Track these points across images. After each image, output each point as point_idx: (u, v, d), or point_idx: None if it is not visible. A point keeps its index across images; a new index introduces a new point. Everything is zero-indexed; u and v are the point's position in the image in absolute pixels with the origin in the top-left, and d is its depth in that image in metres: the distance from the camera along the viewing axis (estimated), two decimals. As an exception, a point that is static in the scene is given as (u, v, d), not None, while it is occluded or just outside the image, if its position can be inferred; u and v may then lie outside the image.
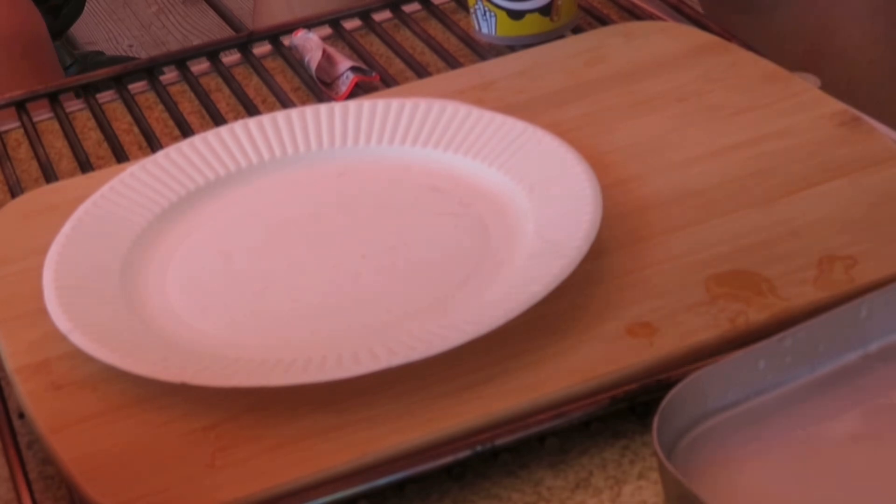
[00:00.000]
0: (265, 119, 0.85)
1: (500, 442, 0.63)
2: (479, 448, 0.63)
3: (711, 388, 0.62)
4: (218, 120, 0.94)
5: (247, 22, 2.13)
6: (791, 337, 0.64)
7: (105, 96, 1.01)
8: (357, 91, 0.95)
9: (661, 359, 0.66)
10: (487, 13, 0.95)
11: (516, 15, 0.95)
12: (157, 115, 0.98)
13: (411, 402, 0.64)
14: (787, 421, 0.63)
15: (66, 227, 0.77)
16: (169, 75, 1.02)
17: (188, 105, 0.99)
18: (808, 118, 0.81)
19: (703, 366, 0.63)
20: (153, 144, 0.92)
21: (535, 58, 0.92)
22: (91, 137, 0.97)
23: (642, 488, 0.62)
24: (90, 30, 2.57)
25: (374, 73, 0.97)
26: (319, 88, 0.97)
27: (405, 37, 1.03)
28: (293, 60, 1.01)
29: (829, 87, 0.86)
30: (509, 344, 0.67)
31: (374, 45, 1.03)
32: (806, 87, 0.85)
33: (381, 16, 1.06)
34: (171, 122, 0.96)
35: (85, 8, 2.17)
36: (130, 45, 2.53)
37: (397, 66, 0.99)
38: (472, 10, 0.97)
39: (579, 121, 0.84)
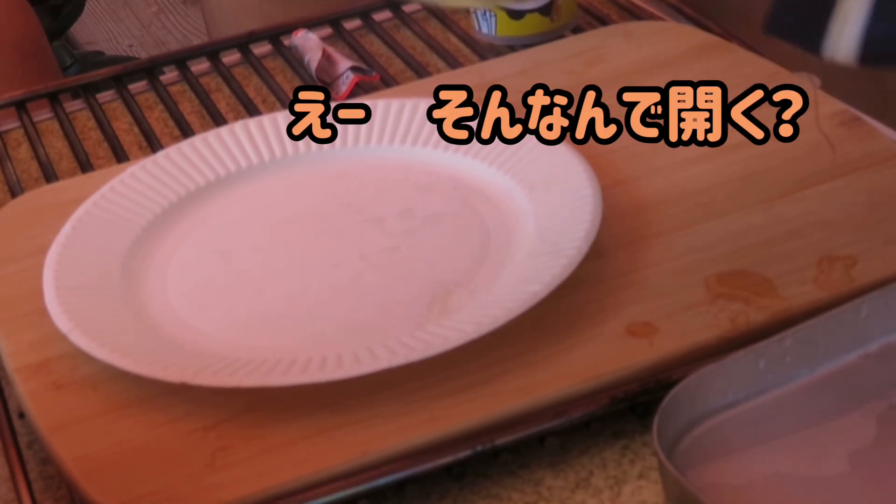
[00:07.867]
0: (265, 119, 0.85)
1: (500, 442, 0.63)
2: (479, 448, 0.63)
3: (711, 388, 0.62)
4: (218, 120, 0.94)
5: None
6: (791, 337, 0.64)
7: (105, 96, 1.01)
8: (357, 91, 0.95)
9: (661, 359, 0.66)
10: (487, 13, 0.95)
11: (516, 15, 0.95)
12: (157, 115, 0.98)
13: (411, 402, 0.64)
14: (787, 421, 0.63)
15: (66, 227, 0.77)
16: (169, 75, 1.02)
17: (188, 105, 0.99)
18: (808, 118, 0.81)
19: (703, 366, 0.63)
20: (153, 144, 0.92)
21: (535, 58, 0.92)
22: (91, 137, 0.97)
23: (642, 488, 0.62)
24: (90, 30, 2.57)
25: (374, 73, 0.97)
26: (319, 88, 0.97)
27: (405, 37, 1.03)
28: (293, 60, 1.01)
29: (829, 87, 0.86)
30: (509, 344, 0.67)
31: (374, 45, 1.02)
32: (806, 87, 0.84)
33: (382, 16, 1.06)
34: (171, 122, 0.96)
35: (85, 8, 2.17)
36: (130, 45, 2.53)
37: (397, 66, 0.99)
38: (472, 10, 0.97)
39: (579, 121, 0.84)
